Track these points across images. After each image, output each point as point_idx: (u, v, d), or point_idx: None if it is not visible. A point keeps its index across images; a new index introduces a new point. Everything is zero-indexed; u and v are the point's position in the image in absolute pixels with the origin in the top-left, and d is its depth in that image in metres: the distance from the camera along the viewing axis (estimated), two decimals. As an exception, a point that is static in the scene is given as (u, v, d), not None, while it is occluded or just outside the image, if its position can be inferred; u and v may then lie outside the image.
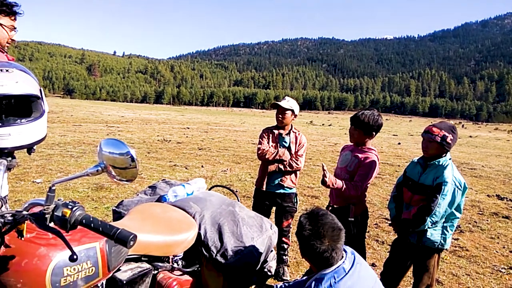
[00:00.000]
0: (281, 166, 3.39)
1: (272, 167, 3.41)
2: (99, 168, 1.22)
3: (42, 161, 7.77)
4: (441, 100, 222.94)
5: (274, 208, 3.55)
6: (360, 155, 2.78)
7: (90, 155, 9.22)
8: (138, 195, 2.28)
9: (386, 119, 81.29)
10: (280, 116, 3.40)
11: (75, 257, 1.02)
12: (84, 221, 1.02)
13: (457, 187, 2.44)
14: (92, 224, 1.02)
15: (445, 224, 2.53)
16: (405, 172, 2.78)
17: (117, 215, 2.07)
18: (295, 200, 3.50)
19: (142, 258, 1.68)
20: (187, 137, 16.04)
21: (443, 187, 2.39)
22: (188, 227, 1.82)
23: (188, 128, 21.64)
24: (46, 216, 1.03)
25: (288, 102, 3.40)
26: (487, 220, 5.73)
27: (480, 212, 6.22)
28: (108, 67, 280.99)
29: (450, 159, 2.54)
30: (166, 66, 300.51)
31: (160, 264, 1.74)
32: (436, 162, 2.51)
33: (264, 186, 3.44)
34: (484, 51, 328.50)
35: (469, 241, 4.76)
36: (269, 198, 3.46)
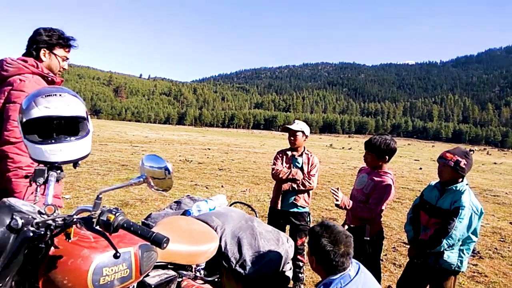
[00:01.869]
0: (294, 185, 3.55)
1: (286, 186, 3.58)
2: (141, 179, 1.41)
3: (71, 178, 8.13)
4: (464, 126, 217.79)
5: (288, 227, 3.67)
6: (376, 178, 2.90)
7: (116, 173, 9.57)
8: (164, 209, 2.46)
9: (408, 144, 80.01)
10: (292, 138, 3.61)
11: (118, 254, 1.19)
12: (125, 225, 1.20)
13: (474, 211, 2.53)
14: (132, 228, 1.20)
15: (461, 247, 2.59)
16: (422, 195, 2.87)
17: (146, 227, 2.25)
18: (308, 219, 3.63)
19: (169, 266, 1.84)
20: (207, 157, 16.34)
21: (460, 211, 2.48)
22: (210, 239, 1.97)
23: (209, 149, 22.02)
24: (93, 220, 1.21)
25: (298, 125, 3.63)
26: (509, 248, 5.61)
27: (502, 239, 6.09)
28: (134, 89, 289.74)
29: (467, 184, 2.62)
30: (189, 89, 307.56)
31: (184, 272, 1.89)
32: (454, 187, 2.60)
33: (279, 205, 3.59)
34: (509, 77, 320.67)
35: (489, 267, 4.69)
36: (283, 217, 3.59)
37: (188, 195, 2.64)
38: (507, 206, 9.34)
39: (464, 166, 2.55)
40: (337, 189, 2.81)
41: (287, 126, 3.63)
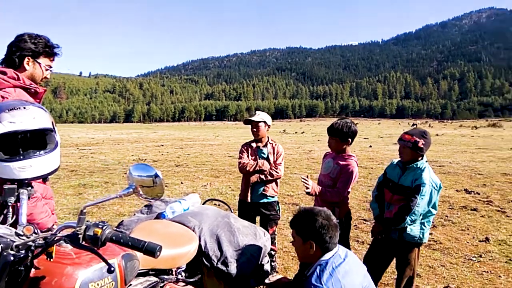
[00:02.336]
0: (262, 176, 3.61)
1: (254, 178, 3.62)
2: (131, 190, 1.38)
3: (18, 190, 7.59)
4: (407, 101, 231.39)
5: (258, 218, 3.74)
6: (341, 162, 3.02)
7: (66, 180, 9.08)
8: (135, 214, 2.40)
9: (357, 123, 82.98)
10: (255, 129, 3.65)
11: (112, 269, 1.16)
12: (114, 237, 1.17)
13: (434, 187, 2.73)
14: (121, 240, 1.17)
15: (423, 221, 2.79)
16: (385, 173, 3.04)
17: None
18: (278, 208, 3.71)
19: (150, 272, 1.81)
20: (162, 154, 15.97)
21: (421, 188, 2.66)
22: (189, 240, 1.97)
23: (162, 145, 21.51)
24: (79, 236, 1.16)
25: (259, 116, 3.67)
26: (457, 214, 6.13)
27: (451, 207, 6.62)
28: (74, 88, 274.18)
29: (426, 161, 2.81)
30: (135, 84, 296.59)
31: (165, 276, 1.87)
32: (414, 165, 2.78)
33: (249, 198, 3.63)
34: (445, 52, 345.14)
35: (442, 234, 5.10)
36: (254, 209, 3.64)
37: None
38: (452, 175, 10.13)
39: (422, 146, 2.73)
40: (307, 177, 2.90)
41: (248, 118, 3.67)
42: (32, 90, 2.08)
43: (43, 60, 2.16)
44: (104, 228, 1.17)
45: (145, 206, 2.48)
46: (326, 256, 1.81)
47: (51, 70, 2.24)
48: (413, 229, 2.76)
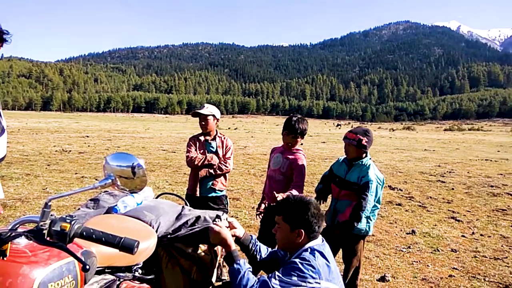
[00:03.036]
0: (211, 171, 3.53)
1: (202, 173, 3.54)
2: (109, 181, 1.24)
3: None
4: (332, 103, 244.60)
5: None
6: (290, 157, 3.12)
7: (-24, 171, 8.04)
8: (79, 209, 2.19)
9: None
10: (203, 122, 3.57)
11: (87, 267, 1.04)
12: (84, 233, 1.05)
13: (379, 183, 2.91)
14: (93, 236, 1.05)
15: (368, 215, 2.95)
16: (331, 169, 3.16)
17: None
18: (226, 202, 3.68)
19: (106, 270, 1.67)
20: (89, 146, 14.93)
21: (370, 185, 2.81)
22: (147, 235, 1.84)
23: (87, 136, 20.10)
24: (44, 231, 1.02)
25: (208, 109, 3.60)
26: (385, 208, 6.64)
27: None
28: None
29: (370, 158, 2.98)
30: (54, 70, 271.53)
31: (122, 274, 1.74)
32: (360, 162, 2.93)
33: (198, 192, 3.54)
34: (366, 59, 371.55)
35: (374, 227, 5.47)
36: (202, 203, 3.56)
37: (107, 191, 2.39)
38: (375, 171, 10.93)
39: (365, 144, 2.90)
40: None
41: (197, 111, 3.56)
42: None
43: None
44: (72, 222, 1.05)
45: (91, 200, 2.27)
46: (312, 243, 1.82)
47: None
48: (360, 223, 2.92)
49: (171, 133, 27.13)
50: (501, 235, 5.36)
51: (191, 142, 3.67)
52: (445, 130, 58.29)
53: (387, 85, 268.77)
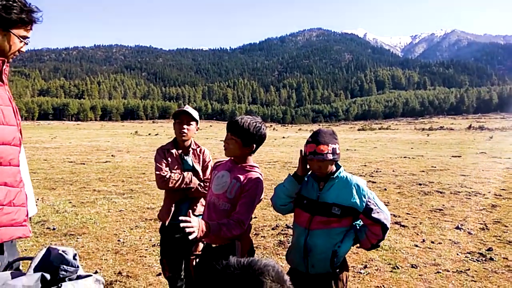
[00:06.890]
0: (187, 193, 2.71)
1: (177, 196, 2.73)
2: None
3: None
4: (254, 106, 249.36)
5: None
6: (241, 176, 2.12)
7: None
8: None
9: (210, 126, 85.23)
10: (186, 127, 2.70)
11: None
12: None
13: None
14: None
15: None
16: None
17: None
18: None
19: None
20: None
21: (374, 201, 2.06)
22: None
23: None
24: None
25: (190, 109, 2.77)
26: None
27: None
28: None
29: (341, 167, 2.20)
30: None
31: None
32: (335, 176, 2.13)
33: (168, 220, 2.71)
34: (284, 63, 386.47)
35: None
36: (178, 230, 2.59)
37: None
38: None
39: (339, 151, 2.13)
40: (188, 214, 1.81)
41: (183, 109, 2.74)
42: None
43: (18, 31, 1.60)
44: None
45: None
46: None
47: (26, 42, 1.67)
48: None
49: (82, 141, 24.37)
50: (450, 240, 5.07)
51: (159, 156, 2.72)
52: (358, 130, 62.21)
53: (304, 89, 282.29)
